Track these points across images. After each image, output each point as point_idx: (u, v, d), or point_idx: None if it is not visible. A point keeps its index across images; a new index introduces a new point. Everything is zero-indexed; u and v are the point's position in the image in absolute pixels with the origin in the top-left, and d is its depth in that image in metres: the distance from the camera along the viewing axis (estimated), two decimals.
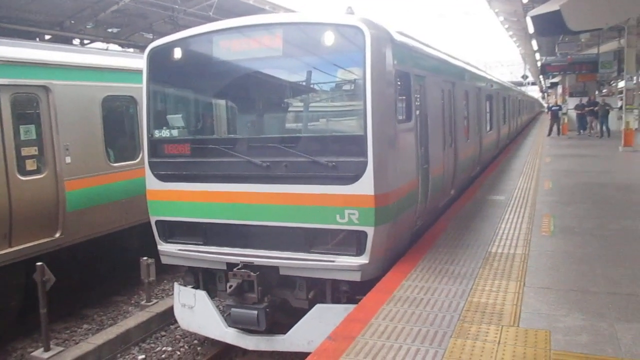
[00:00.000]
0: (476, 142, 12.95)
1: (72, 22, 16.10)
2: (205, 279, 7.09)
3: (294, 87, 6.93)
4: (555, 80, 42.87)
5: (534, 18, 13.96)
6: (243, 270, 6.29)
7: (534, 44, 30.48)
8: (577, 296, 5.37)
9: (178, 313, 7.13)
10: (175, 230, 6.99)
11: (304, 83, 6.79)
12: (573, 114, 30.63)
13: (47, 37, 15.93)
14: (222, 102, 7.46)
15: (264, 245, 6.39)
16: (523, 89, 50.20)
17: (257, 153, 6.31)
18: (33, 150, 7.76)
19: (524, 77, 60.00)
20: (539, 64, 37.94)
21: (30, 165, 7.70)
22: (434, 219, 8.87)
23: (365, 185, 5.83)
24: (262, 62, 6.56)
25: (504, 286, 5.70)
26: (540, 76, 53.74)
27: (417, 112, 7.34)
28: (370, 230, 5.90)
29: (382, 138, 5.95)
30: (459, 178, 10.54)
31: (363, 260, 5.97)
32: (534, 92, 79.49)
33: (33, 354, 7.00)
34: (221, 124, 7.50)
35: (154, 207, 7.02)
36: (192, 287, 7.05)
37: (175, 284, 7.23)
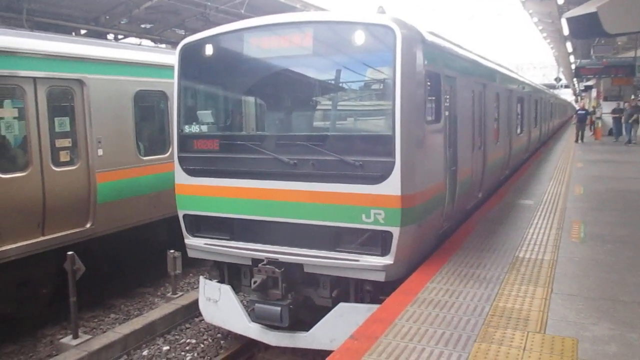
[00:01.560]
0: (506, 145, 12.78)
1: (107, 17, 16.44)
2: (230, 273, 7.16)
3: (323, 86, 6.93)
4: (590, 83, 41.93)
5: (569, 20, 13.67)
6: (268, 266, 6.31)
7: (569, 46, 29.90)
8: (607, 305, 5.25)
9: (203, 306, 7.21)
10: (202, 225, 7.06)
11: (333, 82, 6.78)
12: (608, 118, 29.84)
13: (82, 31, 16.30)
14: (251, 99, 7.52)
15: (289, 242, 6.40)
16: (556, 92, 49.28)
17: (284, 150, 6.33)
18: (67, 142, 7.95)
19: (557, 79, 58.86)
20: (573, 66, 37.16)
21: (64, 156, 7.89)
22: (461, 221, 8.77)
23: (392, 186, 5.80)
24: (292, 60, 6.59)
25: (531, 292, 5.61)
26: (574, 79, 52.64)
27: (447, 113, 7.26)
28: (395, 231, 5.87)
29: (410, 138, 5.90)
30: (487, 181, 10.40)
31: (388, 260, 5.94)
32: (567, 95, 77.90)
33: (62, 340, 7.18)
34: (250, 121, 7.53)
35: (182, 201, 7.10)
36: (217, 282, 7.13)
37: (201, 278, 7.30)
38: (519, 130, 15.36)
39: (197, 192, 6.92)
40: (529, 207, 10.19)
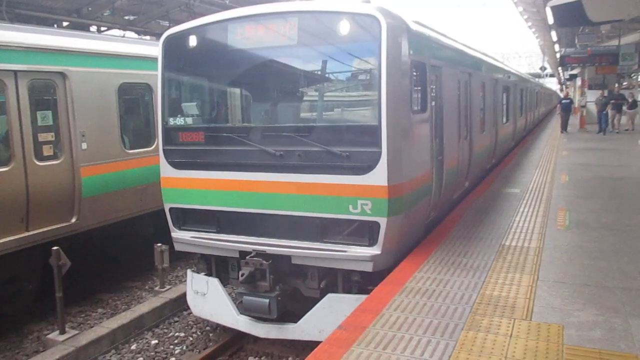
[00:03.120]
0: (492, 134, 12.78)
1: (90, 9, 16.17)
2: (218, 266, 7.14)
3: (308, 76, 6.90)
4: (574, 72, 42.24)
5: (554, 8, 13.74)
6: (255, 258, 6.31)
7: (554, 35, 30.06)
8: (592, 291, 5.31)
9: (191, 300, 7.20)
10: (188, 218, 7.04)
11: (318, 72, 6.74)
12: (592, 107, 30.02)
13: (64, 24, 16.04)
14: (236, 90, 7.47)
15: (276, 234, 6.39)
16: (541, 81, 49.57)
17: (270, 142, 6.31)
18: (50, 136, 7.84)
19: (542, 68, 59.20)
20: (558, 55, 37.44)
21: (47, 150, 7.79)
22: (448, 211, 8.80)
23: (378, 176, 5.80)
24: (277, 51, 6.53)
25: (517, 279, 5.66)
26: (559, 68, 53.02)
27: (433, 102, 7.26)
28: (383, 221, 5.87)
29: (397, 129, 5.91)
30: (473, 170, 10.41)
31: (375, 251, 5.96)
32: (552, 84, 78.44)
33: (49, 336, 7.12)
34: (235, 113, 7.50)
35: (168, 195, 7.07)
36: (205, 275, 7.11)
37: (189, 271, 7.28)
38: (504, 120, 15.38)
39: (183, 185, 6.88)
40: (516, 195, 10.27)
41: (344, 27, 5.90)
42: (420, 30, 6.98)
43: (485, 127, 11.66)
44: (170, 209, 7.10)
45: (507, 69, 17.57)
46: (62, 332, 7.02)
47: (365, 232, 6.00)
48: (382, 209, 5.84)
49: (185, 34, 6.82)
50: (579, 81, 40.49)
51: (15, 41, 7.36)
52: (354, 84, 6.69)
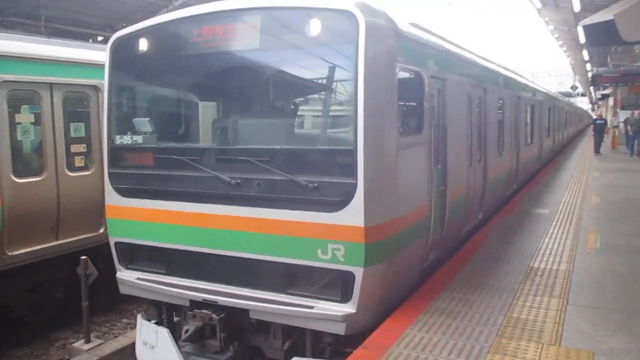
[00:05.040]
0: (512, 156, 11.67)
1: (124, 24, 16.60)
2: (169, 314, 6.06)
3: (271, 88, 5.93)
4: (607, 92, 41.52)
5: (585, 28, 13.55)
6: (204, 311, 5.30)
7: (585, 54, 29.63)
8: (623, 317, 5.15)
9: (139, 352, 6.05)
10: (136, 255, 6.01)
11: (284, 83, 5.81)
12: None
13: (99, 38, 16.52)
14: (190, 104, 6.59)
15: (233, 280, 5.32)
16: (572, 100, 48.84)
17: (227, 167, 5.26)
18: (81, 148, 8.07)
19: (573, 87, 58.38)
20: (589, 74, 36.85)
21: (79, 161, 7.98)
22: (456, 247, 7.61)
23: (353, 214, 4.68)
24: (237, 56, 5.41)
25: (546, 303, 5.52)
26: (591, 87, 52.19)
27: (433, 121, 6.18)
28: (358, 272, 4.74)
29: (378, 154, 4.81)
30: (489, 199, 9.25)
31: (349, 308, 4.80)
32: (583, 103, 77.23)
33: (74, 344, 7.21)
34: (188, 131, 6.53)
35: (113, 227, 6.03)
36: (155, 323, 6.00)
37: (139, 317, 6.17)
38: (528, 140, 14.25)
39: (130, 216, 5.86)
40: (545, 216, 10.06)
41: (315, 26, 4.79)
42: (415, 34, 5.88)
43: (503, 150, 10.53)
44: (116, 244, 6.05)
45: (531, 85, 16.43)
46: (87, 341, 7.11)
47: (337, 285, 4.88)
48: (358, 255, 4.72)
49: (136, 36, 5.80)
50: (611, 101, 39.78)
51: (50, 55, 7.58)
52: (326, 97, 5.60)
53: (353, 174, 4.67)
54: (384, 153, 4.91)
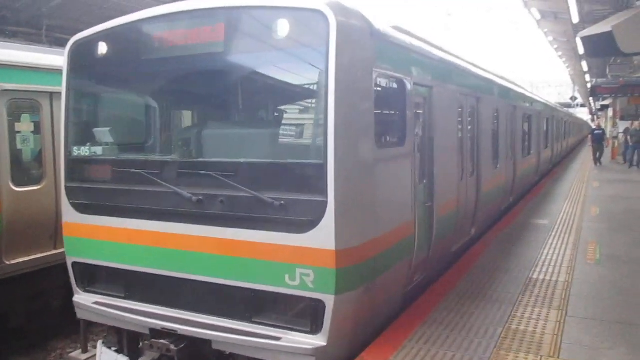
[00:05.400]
0: (508, 169, 11.28)
1: None
2: (130, 341, 5.58)
3: (237, 95, 5.58)
4: (606, 103, 41.64)
5: (584, 39, 13.64)
6: (162, 341, 4.82)
7: (584, 65, 29.77)
8: (623, 329, 5.13)
9: None
10: (94, 277, 5.59)
11: (250, 90, 5.45)
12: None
13: None
14: (150, 112, 6.14)
15: (196, 307, 4.88)
16: (572, 110, 48.94)
17: (189, 182, 4.84)
18: None
19: (573, 98, 58.54)
20: (589, 85, 36.98)
21: None
22: (446, 266, 7.20)
23: (323, 236, 4.23)
24: (199, 61, 5.01)
25: (545, 314, 5.50)
26: (590, 98, 52.35)
27: (418, 132, 5.85)
28: (329, 300, 4.29)
29: (351, 168, 4.39)
30: (482, 214, 8.84)
31: (319, 341, 4.36)
32: (583, 114, 77.43)
33: (71, 354, 7.13)
34: (150, 142, 6.10)
35: (71, 245, 5.62)
36: (115, 351, 5.58)
37: (99, 343, 5.75)
38: (526, 152, 13.97)
39: (87, 234, 5.45)
40: (544, 227, 10.05)
41: (282, 28, 4.42)
42: (396, 37, 5.41)
43: (499, 162, 10.12)
44: (73, 264, 5.63)
45: (529, 95, 15.99)
46: (85, 350, 7.03)
47: (306, 314, 4.45)
48: (328, 282, 4.27)
49: (95, 38, 5.40)
50: (610, 112, 39.89)
51: (50, 64, 7.60)
52: (295, 105, 5.32)
53: (323, 190, 4.22)
54: (358, 167, 4.51)
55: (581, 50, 16.86)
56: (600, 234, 9.38)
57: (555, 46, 29.41)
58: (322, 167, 4.22)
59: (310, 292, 4.33)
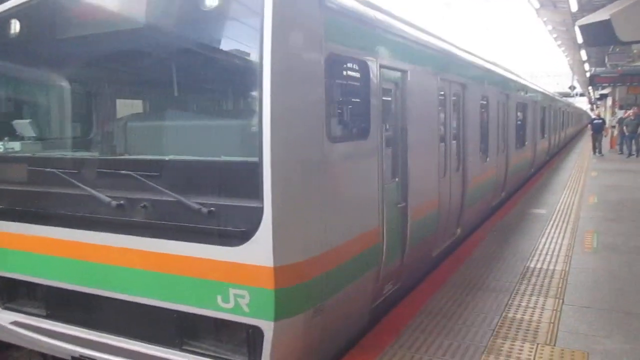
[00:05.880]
0: (500, 162, 10.52)
1: None
2: None
3: (161, 79, 4.87)
4: (605, 92, 41.57)
5: (582, 27, 13.56)
6: None
7: (583, 55, 29.68)
8: (620, 317, 5.14)
9: None
10: (14, 292, 4.87)
11: (174, 73, 4.67)
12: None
13: None
14: (67, 100, 5.36)
15: (123, 330, 4.21)
16: (571, 100, 48.86)
17: (109, 184, 4.13)
18: None
19: (572, 88, 58.46)
20: (588, 74, 36.91)
21: None
22: (425, 273, 6.48)
23: (259, 250, 3.49)
24: (120, 37, 4.26)
25: (542, 303, 5.52)
26: (589, 87, 52.27)
27: (387, 123, 5.12)
28: (267, 327, 3.58)
29: (294, 167, 3.64)
30: (470, 212, 8.12)
31: None
32: (582, 103, 77.35)
33: None
34: (65, 135, 5.39)
35: None
36: None
37: None
38: (520, 143, 13.22)
39: (1, 243, 4.79)
40: (542, 216, 10.07)
41: None
42: (356, 9, 4.50)
43: (488, 155, 9.39)
44: None
45: (524, 83, 14.96)
46: None
47: (242, 342, 3.76)
48: (266, 305, 3.53)
49: (5, 16, 4.69)
50: (609, 101, 39.86)
51: None
52: (226, 91, 4.61)
53: (258, 195, 3.45)
54: (303, 165, 3.73)
55: (580, 39, 16.78)
56: (597, 223, 9.39)
57: (555, 35, 29.27)
58: (257, 166, 3.45)
59: (246, 317, 3.61)
